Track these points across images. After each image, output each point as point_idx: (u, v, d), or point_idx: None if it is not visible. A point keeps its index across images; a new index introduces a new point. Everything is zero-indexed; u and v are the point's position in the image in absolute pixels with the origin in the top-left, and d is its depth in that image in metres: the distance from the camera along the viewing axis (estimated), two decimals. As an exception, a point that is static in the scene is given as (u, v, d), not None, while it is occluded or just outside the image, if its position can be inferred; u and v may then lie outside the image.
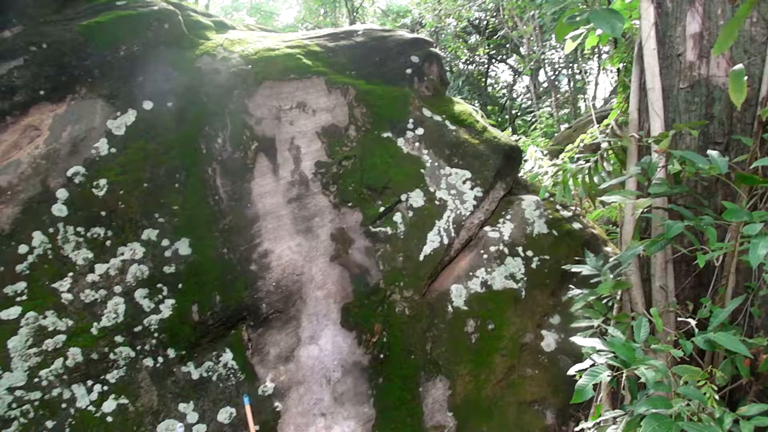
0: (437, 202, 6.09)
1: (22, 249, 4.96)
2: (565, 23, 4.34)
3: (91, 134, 5.42)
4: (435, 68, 6.96)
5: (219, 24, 6.90)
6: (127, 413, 4.84)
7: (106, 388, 4.84)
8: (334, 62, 6.55)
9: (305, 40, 6.79)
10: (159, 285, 5.16)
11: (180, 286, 5.21)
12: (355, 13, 23.39)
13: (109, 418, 4.79)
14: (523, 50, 18.78)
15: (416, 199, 6.04)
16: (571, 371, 3.90)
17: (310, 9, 25.50)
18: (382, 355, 5.52)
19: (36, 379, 4.68)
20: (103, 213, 5.21)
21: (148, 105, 5.64)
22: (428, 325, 5.66)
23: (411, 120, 6.42)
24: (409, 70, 6.75)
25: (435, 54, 7.02)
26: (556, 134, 15.83)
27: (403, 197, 6.03)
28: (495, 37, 20.19)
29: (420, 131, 6.38)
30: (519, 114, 23.69)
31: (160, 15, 6.10)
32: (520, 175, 7.10)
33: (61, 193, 5.17)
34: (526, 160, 8.01)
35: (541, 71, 19.84)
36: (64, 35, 5.60)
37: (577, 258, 5.76)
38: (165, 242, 5.27)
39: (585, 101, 20.10)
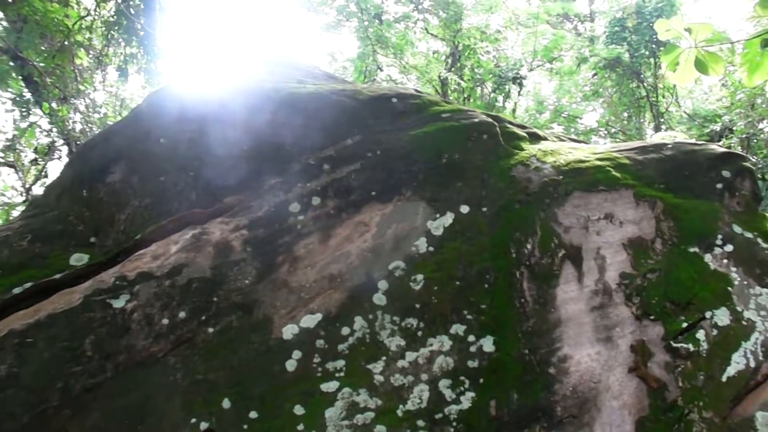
0: (744, 323, 5.87)
1: (345, 331, 5.52)
2: None
3: (412, 233, 5.97)
4: (747, 183, 6.80)
5: (532, 135, 7.29)
6: (423, 495, 5.11)
7: (404, 467, 5.16)
8: (642, 175, 6.64)
9: (614, 152, 6.96)
10: (462, 377, 5.45)
11: (481, 380, 5.46)
12: (660, 119, 23.02)
13: (407, 498, 5.09)
14: None
15: (721, 317, 5.88)
16: None
17: (614, 113, 25.49)
18: (675, 476, 5.39)
19: (346, 450, 5.12)
20: (417, 305, 5.66)
21: (464, 209, 6.12)
22: (728, 451, 5.44)
23: (720, 236, 6.30)
24: (719, 185, 6.66)
25: (748, 169, 6.87)
26: None
27: (708, 314, 5.89)
28: (822, 143, 18.86)
29: (729, 248, 6.24)
30: None
31: (480, 126, 6.62)
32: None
33: (382, 284, 5.72)
34: None
35: None
36: (395, 143, 6.27)
37: None
38: (471, 338, 5.59)
39: None
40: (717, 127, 20.54)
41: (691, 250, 6.23)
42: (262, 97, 6.55)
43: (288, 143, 6.25)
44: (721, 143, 17.93)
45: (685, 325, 5.84)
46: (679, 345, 5.75)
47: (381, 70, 23.47)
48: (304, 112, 6.42)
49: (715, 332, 5.81)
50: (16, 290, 5.60)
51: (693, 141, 7.58)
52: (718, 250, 6.24)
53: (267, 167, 6.16)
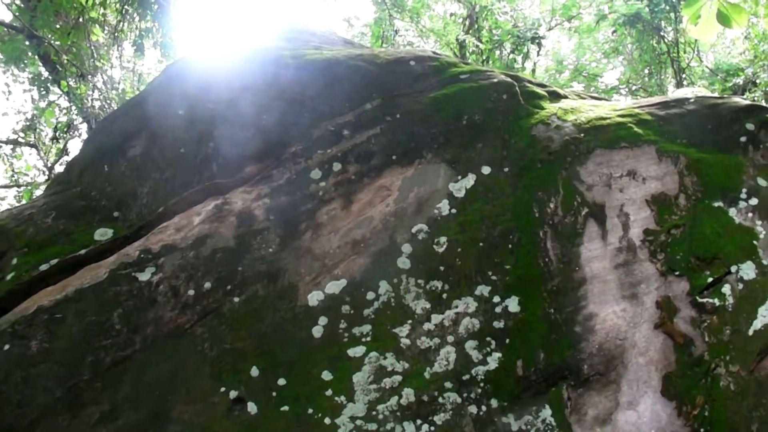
0: (771, 276, 5.83)
1: (370, 295, 5.54)
2: None
3: (434, 195, 5.94)
4: (772, 136, 6.71)
5: (552, 94, 7.20)
6: (452, 455, 5.15)
7: (433, 428, 5.15)
8: (664, 130, 6.54)
9: (636, 108, 6.87)
10: (488, 338, 5.46)
11: (507, 341, 5.47)
12: (682, 74, 22.70)
13: (437, 458, 5.13)
14: None
15: (747, 271, 5.81)
16: None
17: (635, 70, 25.19)
18: (702, 429, 5.33)
19: (374, 413, 5.12)
20: (441, 268, 5.65)
21: (486, 170, 6.07)
22: (755, 404, 5.35)
23: (744, 189, 6.22)
24: (743, 138, 6.54)
25: (773, 121, 6.76)
26: None
27: (733, 269, 5.83)
28: None
29: (754, 201, 6.15)
30: None
31: (499, 87, 6.55)
32: None
33: (406, 248, 5.71)
34: None
35: None
36: (415, 106, 6.23)
37: None
38: (496, 299, 5.58)
39: None
40: (740, 81, 20.24)
41: (716, 204, 6.15)
42: (279, 65, 6.53)
43: (307, 110, 6.23)
44: (744, 96, 17.69)
45: (710, 280, 5.78)
46: (704, 300, 5.70)
47: (398, 34, 23.32)
48: (321, 78, 6.40)
49: (740, 286, 5.75)
50: (43, 267, 5.68)
51: (716, 95, 7.46)
52: (742, 204, 6.15)
53: (285, 136, 6.15)
